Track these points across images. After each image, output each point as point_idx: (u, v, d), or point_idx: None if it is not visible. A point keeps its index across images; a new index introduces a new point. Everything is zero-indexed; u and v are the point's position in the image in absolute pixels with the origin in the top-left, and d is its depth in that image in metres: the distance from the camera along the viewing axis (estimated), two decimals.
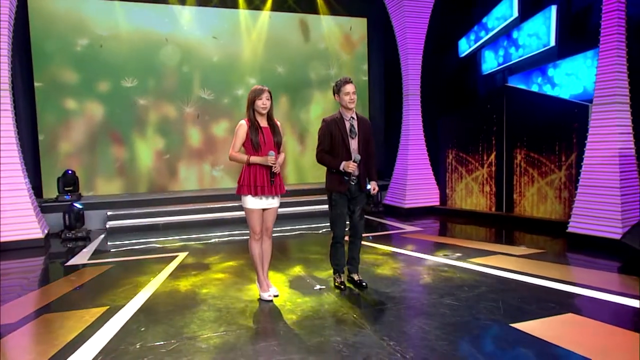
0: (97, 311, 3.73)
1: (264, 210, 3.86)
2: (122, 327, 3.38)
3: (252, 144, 3.74)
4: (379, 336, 3.07)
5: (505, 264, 4.85)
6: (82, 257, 5.87)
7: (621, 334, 3.03)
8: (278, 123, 3.94)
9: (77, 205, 7.41)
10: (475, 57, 9.54)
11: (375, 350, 2.87)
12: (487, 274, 4.49)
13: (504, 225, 7.20)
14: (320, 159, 4.11)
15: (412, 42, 8.74)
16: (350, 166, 3.92)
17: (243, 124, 3.79)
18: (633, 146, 5.54)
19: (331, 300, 3.88)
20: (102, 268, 5.25)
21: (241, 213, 8.28)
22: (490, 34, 8.97)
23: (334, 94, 4.10)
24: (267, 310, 3.68)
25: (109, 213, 7.72)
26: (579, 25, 7.42)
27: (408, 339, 3.03)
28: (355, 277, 4.24)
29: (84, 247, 6.54)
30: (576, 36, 7.38)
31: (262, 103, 3.75)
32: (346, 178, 3.98)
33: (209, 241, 6.71)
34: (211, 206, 8.22)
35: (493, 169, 7.77)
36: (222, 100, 9.93)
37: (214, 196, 8.70)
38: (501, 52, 8.84)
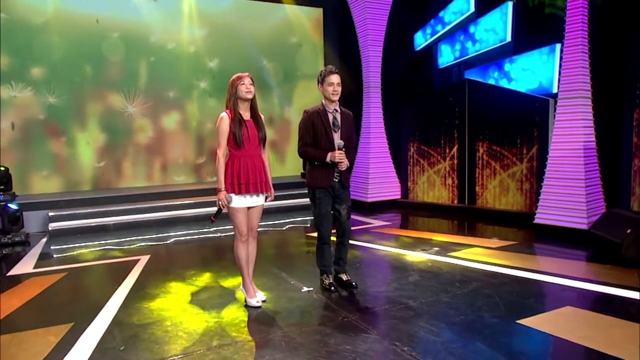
0: (61, 329, 3.24)
1: (248, 209, 3.56)
2: (97, 346, 2.95)
3: (235, 139, 3.41)
4: (390, 341, 2.89)
5: (485, 256, 4.86)
6: (25, 266, 5.20)
7: (626, 326, 3.04)
8: (262, 116, 3.64)
9: (13, 205, 6.61)
10: (431, 50, 9.62)
11: (391, 357, 2.68)
12: (471, 268, 4.46)
13: (468, 218, 7.29)
14: (303, 153, 3.88)
15: (373, 34, 8.62)
16: (337, 155, 3.71)
17: (225, 117, 3.45)
18: (594, 139, 5.75)
19: (324, 304, 3.65)
20: (53, 277, 4.65)
21: (197, 210, 7.93)
22: (447, 28, 9.05)
23: (317, 84, 3.87)
24: (259, 318, 3.38)
25: (50, 214, 6.95)
26: (534, 21, 7.63)
27: (421, 343, 2.87)
28: (344, 277, 4.03)
29: (25, 253, 5.82)
30: (532, 32, 7.59)
31: (246, 87, 3.44)
32: (336, 173, 3.78)
33: (168, 242, 6.22)
34: (166, 204, 7.66)
35: (455, 161, 7.86)
36: (168, 92, 9.28)
37: (167, 193, 8.15)
38: (458, 47, 8.95)
